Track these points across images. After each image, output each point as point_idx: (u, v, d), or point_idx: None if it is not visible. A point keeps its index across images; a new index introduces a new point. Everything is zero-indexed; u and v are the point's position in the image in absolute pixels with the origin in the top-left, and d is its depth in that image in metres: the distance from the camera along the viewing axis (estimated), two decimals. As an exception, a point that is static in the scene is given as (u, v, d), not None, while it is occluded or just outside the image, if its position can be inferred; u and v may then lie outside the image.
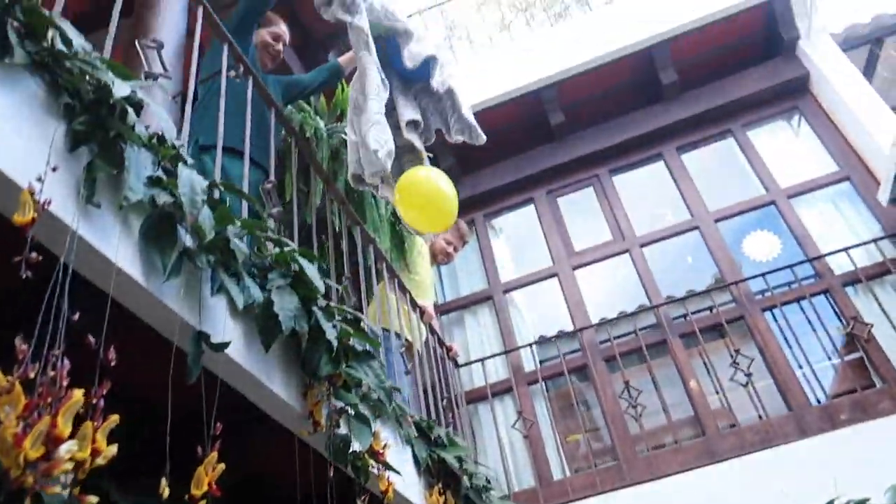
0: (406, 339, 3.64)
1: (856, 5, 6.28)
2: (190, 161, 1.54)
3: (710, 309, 4.83)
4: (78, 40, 1.16)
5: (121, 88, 1.20)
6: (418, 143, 2.87)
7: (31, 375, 0.89)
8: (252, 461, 1.84)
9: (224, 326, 1.50)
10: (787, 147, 5.58)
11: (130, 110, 1.21)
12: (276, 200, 2.30)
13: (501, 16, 6.44)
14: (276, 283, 1.69)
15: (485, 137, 3.07)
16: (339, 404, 1.94)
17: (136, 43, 1.74)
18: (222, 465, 1.27)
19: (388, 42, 3.07)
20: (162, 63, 1.80)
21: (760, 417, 4.34)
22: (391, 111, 2.88)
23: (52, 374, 0.92)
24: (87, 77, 1.22)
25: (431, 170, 3.01)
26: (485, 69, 5.89)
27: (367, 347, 2.01)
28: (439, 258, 4.56)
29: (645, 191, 5.70)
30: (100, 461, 0.97)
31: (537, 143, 5.83)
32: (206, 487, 1.21)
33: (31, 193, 1.00)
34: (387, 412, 2.19)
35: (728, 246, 5.14)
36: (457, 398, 4.46)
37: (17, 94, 1.10)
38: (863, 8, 6.06)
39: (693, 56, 5.69)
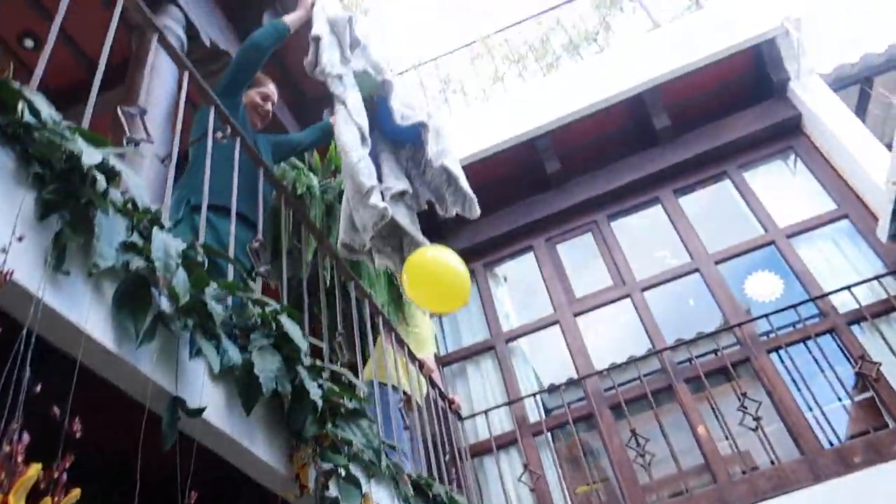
0: (404, 393, 3.59)
1: (843, 46, 6.36)
2: (168, 224, 1.54)
3: (715, 352, 4.76)
4: (48, 111, 1.18)
5: (91, 156, 1.21)
6: (404, 221, 2.86)
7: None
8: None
9: (202, 390, 1.48)
10: (783, 187, 5.59)
11: (100, 177, 1.22)
12: (265, 259, 2.30)
13: (495, 68, 6.56)
14: (259, 343, 1.68)
15: (479, 211, 3.10)
16: (328, 465, 1.89)
17: (118, 109, 1.75)
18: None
19: (379, 104, 3.11)
20: (145, 128, 1.82)
21: (772, 462, 4.23)
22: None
23: (7, 448, 0.89)
24: (61, 147, 1.23)
25: (438, 248, 3.02)
26: (479, 121, 5.97)
27: (356, 405, 1.98)
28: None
29: (644, 235, 5.69)
30: (59, 537, 0.94)
31: (534, 192, 5.86)
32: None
33: (-6, 264, 1.00)
34: (379, 472, 2.13)
35: (730, 287, 5.10)
36: (461, 452, 4.37)
37: (-14, 167, 1.11)
38: (850, 48, 6.14)
39: (685, 100, 5.75)
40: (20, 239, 1.08)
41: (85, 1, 1.99)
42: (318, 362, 1.94)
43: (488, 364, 5.25)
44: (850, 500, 3.85)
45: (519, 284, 5.85)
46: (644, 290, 5.22)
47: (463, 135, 5.85)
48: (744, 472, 4.19)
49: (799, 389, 4.70)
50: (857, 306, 4.58)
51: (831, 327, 4.69)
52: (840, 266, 5.03)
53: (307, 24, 2.98)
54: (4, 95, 1.15)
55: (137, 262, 1.31)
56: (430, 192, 3.07)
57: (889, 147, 5.05)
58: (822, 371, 4.56)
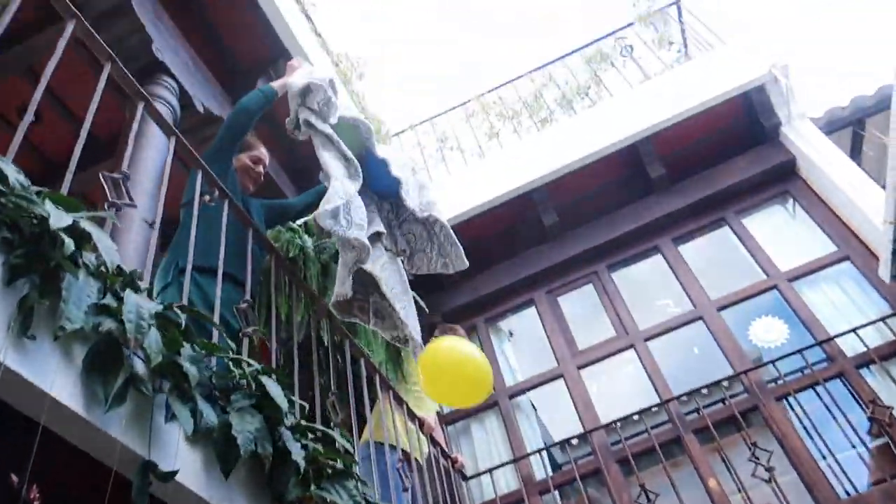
0: (403, 452, 3.52)
1: (833, 90, 6.45)
2: (156, 287, 1.54)
3: (723, 401, 4.67)
4: (15, 176, 1.19)
5: (59, 219, 1.22)
6: (386, 280, 2.86)
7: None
8: None
9: (178, 453, 1.45)
10: (783, 231, 5.58)
11: (68, 240, 1.22)
12: (252, 320, 2.29)
13: (490, 125, 6.66)
14: (239, 404, 1.65)
15: (466, 263, 3.11)
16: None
17: (100, 175, 1.78)
18: None
19: (366, 158, 3.15)
20: (127, 193, 1.84)
21: (787, 515, 4.09)
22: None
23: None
24: (29, 211, 1.24)
25: (452, 339, 3.01)
26: (476, 176, 6.03)
27: (343, 466, 1.93)
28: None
29: (645, 284, 5.67)
30: None
31: (533, 244, 5.87)
32: None
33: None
34: None
35: (734, 334, 5.04)
36: (466, 513, 4.26)
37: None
38: (840, 92, 6.21)
39: (679, 149, 5.80)
40: (-16, 304, 1.07)
41: (83, 76, 2.05)
42: (304, 422, 1.91)
43: (492, 421, 5.16)
44: (872, 553, 3.71)
45: (521, 338, 5.80)
46: (647, 339, 5.16)
47: (460, 191, 5.92)
48: (760, 527, 4.04)
49: (811, 437, 4.58)
50: (865, 349, 4.51)
51: (840, 371, 4.61)
52: (845, 308, 4.98)
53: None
54: (-28, 163, 1.17)
55: (109, 324, 1.31)
56: (407, 245, 3.07)
57: (885, 187, 5.06)
58: (834, 417, 4.45)
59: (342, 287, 2.63)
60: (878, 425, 4.23)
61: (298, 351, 3.30)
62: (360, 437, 3.63)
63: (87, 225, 1.31)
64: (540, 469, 4.72)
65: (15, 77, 3.96)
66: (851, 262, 5.11)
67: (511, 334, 5.95)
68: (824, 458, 4.39)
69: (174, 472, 1.35)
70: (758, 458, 4.13)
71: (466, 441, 5.18)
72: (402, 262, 3.07)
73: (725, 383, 4.72)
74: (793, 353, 4.68)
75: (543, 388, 5.35)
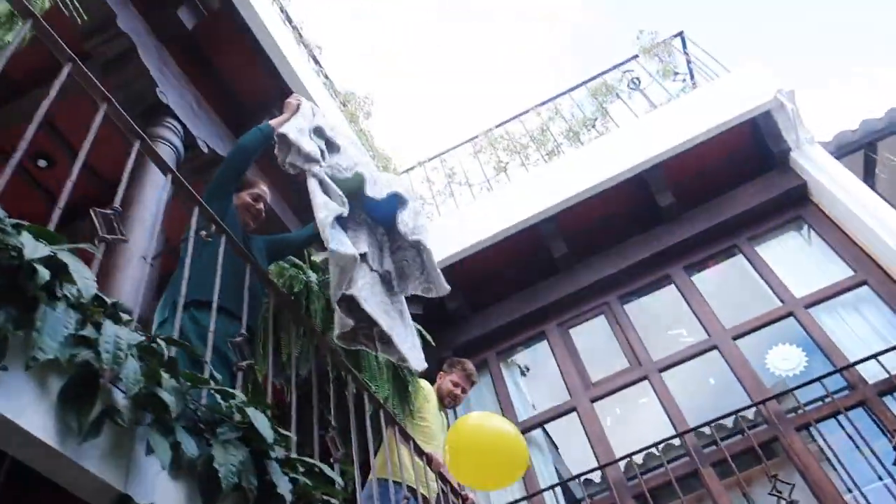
0: (410, 489, 3.45)
1: (841, 114, 6.42)
2: (128, 318, 1.54)
3: (741, 432, 4.55)
4: (-9, 210, 1.21)
5: (34, 250, 1.23)
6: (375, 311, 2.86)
7: None
8: None
9: (158, 487, 1.43)
10: (797, 257, 5.50)
11: (43, 271, 1.23)
12: (247, 353, 2.28)
13: (497, 159, 6.69)
14: (225, 436, 1.64)
15: (448, 288, 3.11)
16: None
17: (91, 211, 1.80)
18: None
19: (361, 197, 3.19)
20: (119, 228, 1.86)
21: (813, 550, 3.95)
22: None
23: None
24: (6, 243, 1.25)
25: (480, 416, 2.94)
26: (485, 210, 6.04)
27: (335, 501, 1.90)
28: (446, 401, 4.43)
29: (658, 314, 5.59)
30: None
31: (543, 277, 5.84)
32: None
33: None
34: None
35: (751, 363, 4.94)
36: (478, 552, 4.16)
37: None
38: (848, 116, 6.19)
39: (687, 177, 5.77)
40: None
41: (90, 118, 2.12)
42: (294, 455, 1.89)
43: (505, 456, 5.07)
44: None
45: (533, 372, 5.73)
46: (662, 370, 5.07)
47: (469, 225, 5.93)
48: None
49: (834, 469, 4.44)
50: (887, 375, 4.39)
51: (862, 399, 4.49)
52: (865, 334, 4.87)
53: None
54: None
55: (85, 355, 1.31)
56: (395, 268, 3.08)
57: (900, 210, 4.99)
58: (857, 448, 4.32)
59: (341, 320, 2.63)
60: (904, 454, 4.10)
61: (305, 386, 3.30)
62: (362, 472, 3.56)
63: (64, 256, 1.32)
64: (553, 505, 4.62)
65: (28, 124, 4.05)
66: (869, 286, 5.02)
67: (528, 369, 5.88)
68: (849, 490, 4.25)
69: (149, 505, 1.34)
70: (780, 492, 4.01)
71: (479, 478, 5.07)
72: (392, 283, 3.07)
73: (743, 414, 4.60)
74: (812, 381, 4.56)
75: (556, 423, 5.26)
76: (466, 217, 6.05)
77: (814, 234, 5.53)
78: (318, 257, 3.92)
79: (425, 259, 3.06)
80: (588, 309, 5.67)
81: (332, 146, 3.11)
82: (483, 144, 6.75)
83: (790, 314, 5.08)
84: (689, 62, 6.75)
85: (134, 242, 2.58)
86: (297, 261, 3.77)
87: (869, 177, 6.32)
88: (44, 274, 1.23)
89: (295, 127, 2.96)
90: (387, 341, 3.03)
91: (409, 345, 2.93)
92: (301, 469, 1.89)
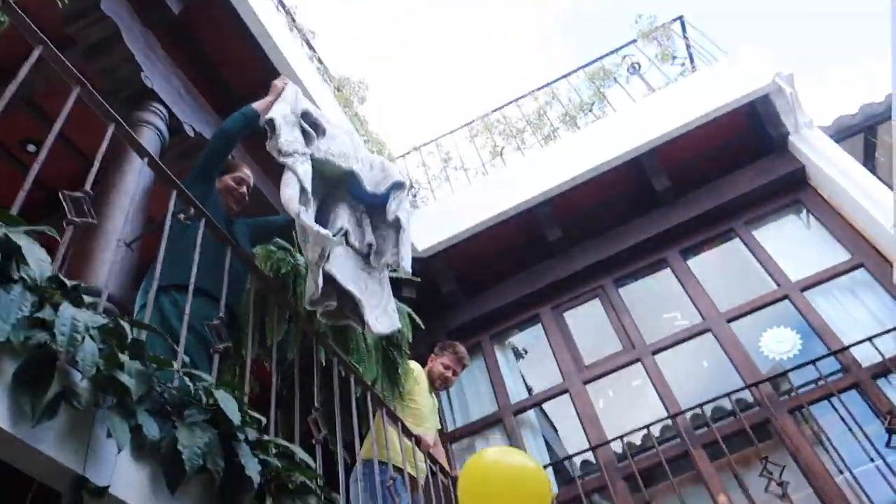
0: (395, 468, 3.48)
1: (840, 98, 6.36)
2: (86, 299, 1.54)
3: (733, 414, 4.54)
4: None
5: (-15, 233, 1.23)
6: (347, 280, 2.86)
7: None
8: None
9: (120, 469, 1.44)
10: (794, 241, 5.48)
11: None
12: (225, 337, 2.29)
13: (493, 143, 6.66)
14: (192, 419, 1.65)
15: (409, 270, 3.10)
16: (279, 547, 1.82)
17: (60, 194, 1.81)
18: None
19: (350, 182, 3.18)
20: (89, 210, 1.86)
21: (803, 533, 3.96)
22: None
23: None
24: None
25: (500, 450, 2.86)
26: (480, 195, 6.02)
27: (305, 482, 1.91)
28: (437, 383, 4.45)
29: (652, 298, 5.58)
30: None
31: (538, 260, 5.83)
32: None
33: None
34: None
35: (744, 346, 4.92)
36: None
37: None
38: (848, 100, 6.13)
39: (684, 161, 5.74)
40: None
41: (82, 107, 2.12)
42: (266, 437, 1.90)
43: (497, 438, 5.09)
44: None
45: (527, 354, 5.74)
46: (655, 353, 5.07)
47: (464, 208, 5.91)
48: (771, 545, 3.91)
49: (826, 451, 4.44)
50: (881, 358, 4.38)
51: (855, 382, 4.48)
52: (860, 317, 4.85)
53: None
54: None
55: (41, 337, 1.31)
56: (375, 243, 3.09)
57: (898, 193, 4.95)
58: (850, 430, 4.32)
59: (315, 289, 2.63)
60: (896, 437, 4.09)
61: (293, 370, 3.31)
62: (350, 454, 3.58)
63: (19, 238, 1.32)
64: (545, 487, 4.62)
65: (17, 111, 4.06)
66: (866, 269, 5.00)
67: (526, 352, 5.89)
68: (840, 472, 4.25)
69: (105, 488, 1.34)
70: (770, 473, 4.01)
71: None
72: (371, 256, 3.07)
73: (736, 396, 4.60)
74: (806, 364, 4.56)
75: (550, 405, 5.28)
76: (462, 201, 6.04)
77: (810, 218, 5.50)
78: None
79: (401, 237, 3.06)
80: (583, 292, 5.67)
81: (318, 129, 3.10)
82: (479, 129, 6.72)
83: (785, 297, 5.07)
84: (688, 46, 6.69)
85: (113, 226, 2.58)
86: (284, 243, 3.76)
87: (868, 161, 6.26)
88: (-6, 257, 1.23)
89: (280, 113, 2.95)
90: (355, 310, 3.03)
91: (381, 310, 2.92)
92: (274, 451, 1.90)
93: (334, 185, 3.13)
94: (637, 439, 4.76)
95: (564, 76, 6.88)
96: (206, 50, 4.16)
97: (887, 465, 4.10)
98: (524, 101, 6.77)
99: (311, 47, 5.84)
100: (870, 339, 4.44)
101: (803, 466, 4.26)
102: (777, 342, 5.05)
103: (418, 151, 6.81)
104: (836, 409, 4.45)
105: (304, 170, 2.72)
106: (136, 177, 2.29)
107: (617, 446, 4.59)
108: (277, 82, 3.17)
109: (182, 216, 2.40)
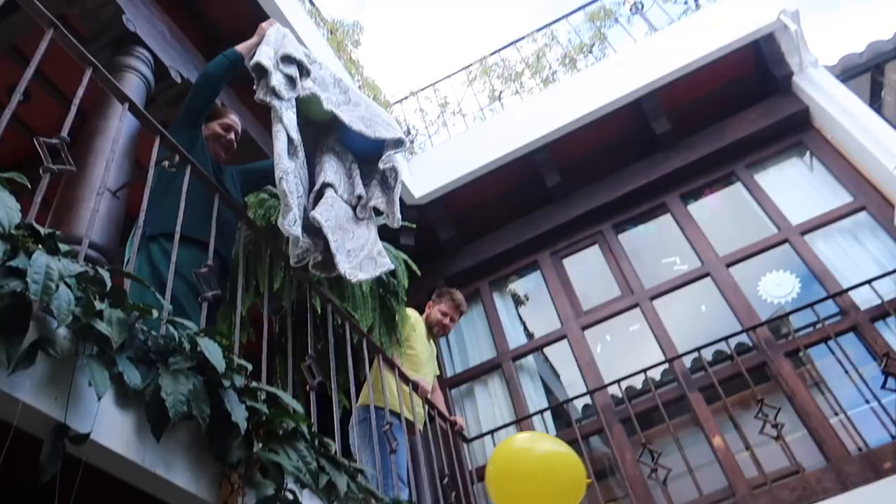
0: (392, 413, 3.52)
1: (847, 36, 6.18)
2: (62, 247, 1.51)
3: (730, 358, 4.55)
4: None
5: (-52, 180, 1.20)
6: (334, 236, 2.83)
7: None
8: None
9: (104, 417, 1.44)
10: (797, 184, 5.40)
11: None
12: (213, 284, 2.27)
13: (492, 87, 6.53)
14: (177, 366, 1.64)
15: (399, 223, 3.07)
16: (269, 491, 1.83)
17: (34, 140, 1.76)
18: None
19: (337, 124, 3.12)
20: (66, 157, 1.82)
21: (796, 473, 4.00)
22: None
23: None
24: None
25: (529, 437, 2.78)
26: (478, 140, 5.93)
27: (295, 427, 1.92)
28: (435, 330, 4.47)
29: (652, 243, 5.55)
30: None
31: (536, 206, 5.78)
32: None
33: None
34: (318, 492, 2.06)
35: (743, 290, 4.91)
36: (466, 474, 4.26)
37: None
38: (855, 38, 5.96)
39: (685, 103, 5.63)
40: None
41: (61, 50, 2.05)
42: (255, 384, 1.90)
43: (496, 383, 5.14)
44: (882, 508, 3.61)
45: (525, 301, 5.75)
46: (653, 298, 5.07)
47: (462, 154, 5.84)
48: (764, 484, 3.96)
49: (822, 393, 4.48)
50: (880, 301, 4.37)
51: (853, 325, 4.48)
52: (860, 260, 4.82)
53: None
54: None
55: (15, 286, 1.29)
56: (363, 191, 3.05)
57: (902, 133, 4.85)
58: (846, 372, 4.34)
59: (295, 247, 2.62)
60: (893, 379, 4.10)
61: (290, 318, 3.31)
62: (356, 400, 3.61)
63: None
64: (542, 430, 4.68)
65: (1, 56, 3.97)
66: (868, 212, 4.95)
67: (527, 298, 5.89)
68: (835, 414, 4.29)
69: (86, 435, 1.34)
70: (765, 415, 4.03)
71: (470, 403, 5.17)
72: (357, 208, 3.03)
73: (733, 340, 4.60)
74: (803, 308, 4.54)
75: (548, 350, 5.31)
76: (459, 147, 5.95)
77: (814, 161, 5.41)
78: None
79: (394, 188, 3.03)
80: (581, 238, 5.63)
81: (303, 70, 3.02)
82: (477, 73, 6.58)
83: (785, 241, 5.03)
84: (693, -18, 6.47)
85: (98, 174, 2.54)
86: (276, 190, 3.73)
87: (875, 101, 6.13)
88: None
89: (266, 55, 2.87)
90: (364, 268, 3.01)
91: (366, 256, 2.91)
92: (263, 397, 1.90)
93: (324, 131, 3.07)
94: (636, 384, 4.79)
95: (564, 17, 6.70)
96: (192, -10, 4.03)
97: (882, 406, 4.13)
98: (523, 43, 6.61)
99: (303, -12, 5.67)
100: (869, 281, 4.42)
101: (798, 408, 4.29)
102: (776, 286, 5.03)
103: (415, 97, 6.69)
104: (832, 352, 4.47)
105: (289, 117, 2.66)
106: (118, 123, 2.23)
107: (615, 391, 4.62)
108: (264, 24, 3.08)
109: (166, 163, 2.36)
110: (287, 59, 2.89)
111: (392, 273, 3.95)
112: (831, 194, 5.17)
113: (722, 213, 5.53)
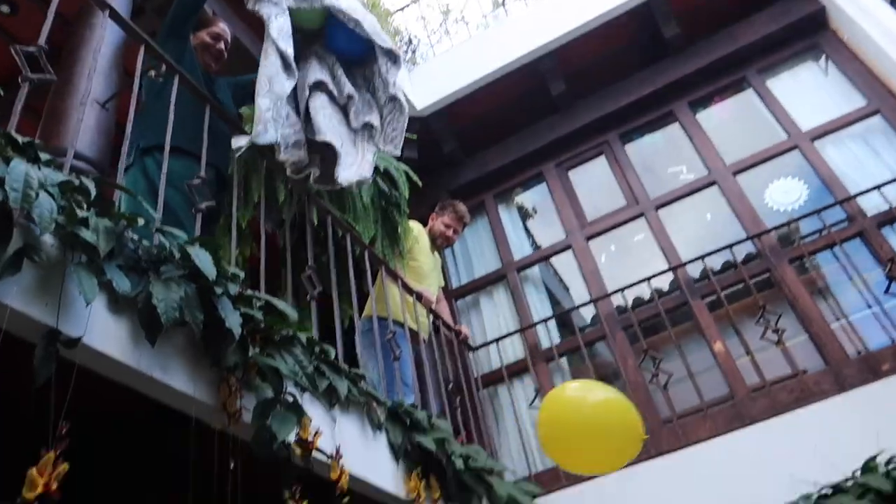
0: (397, 323, 3.59)
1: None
2: (43, 156, 1.50)
3: (734, 266, 4.55)
4: None
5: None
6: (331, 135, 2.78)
7: None
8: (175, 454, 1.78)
9: (93, 322, 1.46)
10: (809, 89, 5.25)
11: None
12: (205, 195, 2.27)
13: (496, -8, 6.29)
14: (169, 274, 1.65)
15: (399, 152, 3.02)
16: (268, 394, 1.89)
17: (12, 49, 1.72)
18: (65, 466, 1.23)
19: (330, 30, 3.03)
20: (45, 66, 1.78)
21: (794, 376, 4.06)
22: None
23: None
24: None
25: (582, 385, 2.65)
26: (481, 49, 5.76)
27: (290, 333, 1.95)
28: (439, 242, 4.49)
29: (659, 152, 5.46)
30: None
31: (541, 116, 5.67)
32: (40, 489, 1.17)
33: None
34: (319, 396, 2.13)
35: (749, 198, 4.85)
36: (471, 382, 4.36)
37: None
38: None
39: (697, 4, 5.40)
40: None
41: None
42: (250, 291, 1.92)
43: (501, 294, 5.19)
44: (878, 409, 3.67)
45: (530, 212, 5.74)
46: (658, 208, 5.03)
47: (464, 64, 5.69)
48: (763, 388, 4.03)
49: (825, 299, 4.49)
50: (888, 207, 4.32)
51: (859, 231, 4.44)
52: (871, 167, 4.72)
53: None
54: None
55: (-6, 194, 1.29)
56: (369, 113, 2.98)
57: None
58: (850, 278, 4.34)
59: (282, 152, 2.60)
60: (896, 284, 4.10)
61: (292, 231, 3.32)
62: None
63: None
64: (546, 338, 4.77)
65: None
66: (882, 115, 4.82)
67: (535, 210, 5.87)
68: (837, 319, 4.31)
69: (78, 339, 1.37)
70: (769, 322, 4.06)
71: (476, 314, 5.24)
72: (350, 111, 2.99)
73: (738, 248, 4.59)
74: (810, 214, 4.50)
75: (552, 261, 5.33)
76: (462, 56, 5.79)
77: (829, 64, 5.23)
78: None
79: (403, 109, 2.99)
80: (587, 148, 5.54)
81: None
82: (481, -24, 6.32)
83: (795, 147, 4.93)
84: None
85: (84, 85, 2.49)
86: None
87: (896, -1, 5.85)
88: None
89: None
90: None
91: (354, 165, 2.89)
92: (258, 305, 1.93)
93: (311, 41, 2.99)
94: (640, 294, 4.82)
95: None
96: None
97: (884, 311, 4.15)
98: (529, -57, 6.30)
99: None
100: (878, 187, 4.36)
101: (800, 314, 4.31)
102: (783, 193, 4.97)
103: (416, 4, 6.46)
104: (837, 259, 4.45)
105: (279, 25, 2.58)
106: (101, 32, 2.17)
107: (619, 300, 4.65)
108: None
109: (153, 73, 2.31)
110: None
111: (393, 184, 3.94)
112: (844, 99, 5.03)
113: (731, 121, 5.41)
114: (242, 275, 1.83)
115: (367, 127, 2.95)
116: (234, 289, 1.82)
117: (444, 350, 4.01)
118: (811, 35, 5.25)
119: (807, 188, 4.94)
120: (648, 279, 4.46)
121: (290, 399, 1.91)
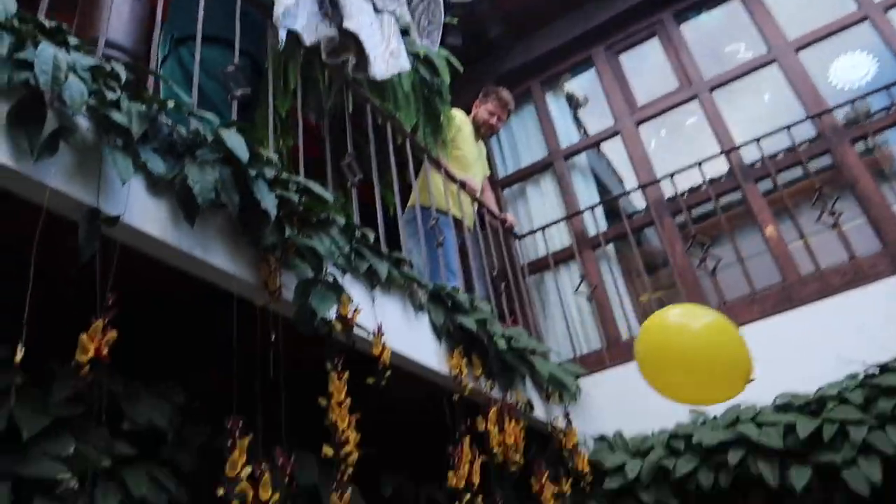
0: (438, 211, 3.60)
1: None
2: (77, 42, 1.52)
3: (792, 149, 4.36)
4: None
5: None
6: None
7: None
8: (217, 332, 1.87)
9: (132, 202, 1.52)
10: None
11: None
12: (241, 82, 2.28)
13: None
14: (204, 157, 1.69)
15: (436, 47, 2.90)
16: (308, 274, 1.96)
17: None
18: (114, 333, 1.32)
19: None
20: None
21: (851, 258, 3.94)
22: None
23: None
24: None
25: (686, 311, 2.44)
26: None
27: (328, 216, 2.00)
28: (483, 130, 4.44)
29: (716, 31, 5.14)
30: None
31: (591, -4, 5.37)
32: (91, 354, 1.27)
33: None
34: (360, 277, 2.19)
35: (811, 77, 4.57)
36: (517, 269, 4.41)
37: None
38: None
39: None
40: None
41: None
42: (287, 175, 1.95)
43: (547, 182, 5.13)
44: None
45: (579, 100, 5.56)
46: (713, 89, 4.80)
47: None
48: (816, 271, 3.94)
49: (887, 179, 4.30)
50: (968, 80, 4.02)
51: (931, 108, 4.17)
52: (953, 36, 4.37)
53: None
54: None
55: (25, 76, 1.32)
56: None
57: None
58: (917, 158, 4.13)
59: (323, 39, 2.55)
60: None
61: (332, 120, 3.32)
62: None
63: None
64: (592, 226, 4.74)
65: None
66: (968, -22, 4.40)
67: (587, 100, 5.69)
68: (900, 201, 4.14)
69: (117, 217, 1.43)
70: (825, 203, 3.92)
71: (522, 203, 5.21)
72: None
73: (796, 129, 4.37)
74: (877, 91, 4.23)
75: (601, 148, 5.21)
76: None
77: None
78: None
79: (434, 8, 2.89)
80: (639, 29, 5.27)
81: None
82: None
83: (865, 18, 4.57)
84: None
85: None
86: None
87: None
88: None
89: None
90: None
91: (383, 53, 2.84)
92: (294, 188, 1.97)
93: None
94: (691, 180, 4.69)
95: None
96: None
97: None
98: None
99: None
100: (956, 59, 4.05)
101: (860, 196, 4.14)
102: (850, 68, 4.67)
103: None
104: (905, 137, 4.22)
105: None
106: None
107: (668, 186, 4.54)
108: None
109: (182, -43, 2.28)
110: None
111: (434, 71, 3.87)
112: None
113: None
114: (276, 159, 1.86)
115: (392, 14, 2.88)
116: (270, 172, 1.85)
117: (490, 238, 4.04)
118: None
119: (877, 62, 4.62)
120: (699, 163, 4.32)
121: (331, 279, 1.98)
